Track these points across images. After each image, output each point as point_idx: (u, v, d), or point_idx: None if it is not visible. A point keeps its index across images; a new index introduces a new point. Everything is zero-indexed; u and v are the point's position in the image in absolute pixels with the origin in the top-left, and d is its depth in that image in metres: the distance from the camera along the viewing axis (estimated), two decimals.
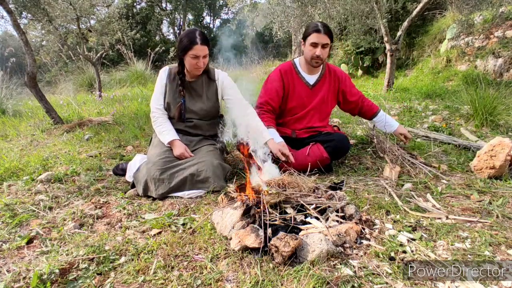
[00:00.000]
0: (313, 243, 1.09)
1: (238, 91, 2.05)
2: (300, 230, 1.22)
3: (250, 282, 1.00)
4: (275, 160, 1.79)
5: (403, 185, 1.73)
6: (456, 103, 3.63)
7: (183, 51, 1.84)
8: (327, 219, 1.29)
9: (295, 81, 2.08)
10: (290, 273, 1.02)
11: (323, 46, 1.91)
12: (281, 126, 2.16)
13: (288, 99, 2.10)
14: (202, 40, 1.81)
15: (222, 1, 17.88)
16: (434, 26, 6.66)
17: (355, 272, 1.02)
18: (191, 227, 1.39)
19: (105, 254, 1.17)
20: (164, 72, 2.03)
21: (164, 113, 2.02)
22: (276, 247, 1.08)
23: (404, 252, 1.12)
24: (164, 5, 15.74)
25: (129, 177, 1.95)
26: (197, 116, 2.04)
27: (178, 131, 2.02)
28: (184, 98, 1.99)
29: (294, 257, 1.09)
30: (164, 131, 1.96)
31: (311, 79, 2.10)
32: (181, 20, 16.31)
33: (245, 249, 1.15)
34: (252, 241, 1.13)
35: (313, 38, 1.91)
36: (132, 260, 1.16)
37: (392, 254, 1.11)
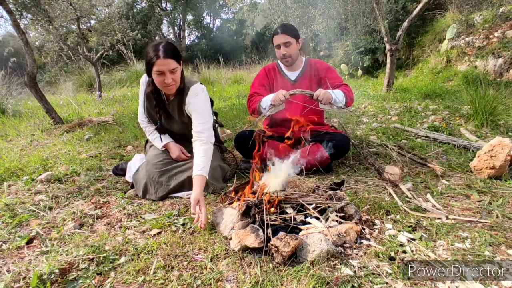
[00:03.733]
0: (313, 243, 1.09)
1: (202, 114, 1.77)
2: (300, 230, 1.22)
3: (250, 282, 1.00)
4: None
5: (403, 184, 1.73)
6: (456, 103, 3.63)
7: (148, 67, 1.64)
8: (327, 219, 1.29)
9: (278, 78, 2.17)
10: (290, 273, 1.02)
11: (285, 44, 2.00)
12: (277, 126, 2.17)
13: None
14: (165, 52, 1.57)
15: (222, 1, 17.88)
16: (434, 26, 6.66)
17: (355, 272, 1.02)
18: (191, 227, 1.39)
19: (105, 254, 1.17)
20: (142, 83, 1.89)
21: (149, 123, 1.99)
22: (276, 247, 1.08)
23: (404, 252, 1.12)
24: (164, 5, 15.75)
25: (129, 177, 1.95)
26: (179, 135, 1.98)
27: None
28: (160, 120, 1.88)
29: (294, 257, 1.09)
30: (156, 137, 1.96)
31: (293, 75, 2.16)
32: (181, 20, 16.31)
33: (245, 249, 1.16)
34: (252, 241, 1.13)
35: (274, 41, 2.04)
36: (132, 260, 1.16)
37: (392, 254, 1.11)
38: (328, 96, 1.80)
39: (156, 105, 1.83)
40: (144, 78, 1.88)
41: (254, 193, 1.44)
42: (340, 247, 1.14)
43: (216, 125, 2.14)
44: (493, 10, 5.12)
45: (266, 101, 1.92)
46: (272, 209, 1.33)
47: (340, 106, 1.88)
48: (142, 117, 1.99)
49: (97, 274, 1.09)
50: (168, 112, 1.88)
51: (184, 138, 2.00)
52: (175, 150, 1.90)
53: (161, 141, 1.94)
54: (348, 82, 7.06)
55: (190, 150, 1.97)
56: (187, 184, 1.76)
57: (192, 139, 1.76)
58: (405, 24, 4.58)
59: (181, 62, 1.70)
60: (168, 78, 1.62)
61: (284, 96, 1.81)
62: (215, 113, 2.16)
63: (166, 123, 1.93)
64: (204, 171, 1.62)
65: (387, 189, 1.65)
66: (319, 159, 1.92)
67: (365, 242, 1.19)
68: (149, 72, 1.67)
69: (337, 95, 1.87)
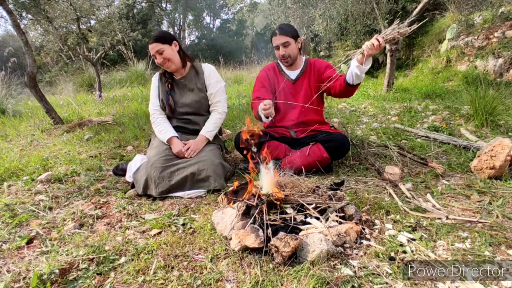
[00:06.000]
0: (313, 243, 1.09)
1: (219, 87, 2.13)
2: (300, 230, 1.22)
3: (250, 282, 1.00)
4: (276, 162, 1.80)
5: (403, 184, 1.73)
6: (456, 103, 3.63)
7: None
8: (327, 219, 1.29)
9: (278, 78, 2.19)
10: (290, 273, 1.02)
11: (284, 45, 2.01)
12: (278, 126, 2.17)
13: (276, 94, 2.18)
14: (153, 38, 1.94)
15: (222, 1, 17.88)
16: (434, 26, 6.66)
17: (355, 272, 1.02)
18: (191, 227, 1.39)
19: (105, 254, 1.17)
20: (155, 77, 2.16)
21: (162, 113, 2.10)
22: (276, 247, 1.08)
23: (404, 252, 1.12)
24: (164, 5, 15.75)
25: (129, 177, 1.95)
26: (192, 109, 2.09)
27: (177, 128, 2.06)
28: (171, 91, 2.08)
29: (294, 257, 1.09)
30: (163, 130, 2.01)
31: (293, 74, 2.17)
32: (181, 20, 16.32)
33: (245, 249, 1.15)
34: (252, 241, 1.13)
35: (273, 42, 2.06)
36: (132, 260, 1.16)
37: (392, 254, 1.10)
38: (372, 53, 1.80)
39: (166, 80, 2.09)
40: (155, 75, 2.18)
41: (254, 194, 1.44)
42: (340, 247, 1.14)
43: None
44: (493, 10, 5.13)
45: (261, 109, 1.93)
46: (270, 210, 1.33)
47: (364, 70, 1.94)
48: (153, 107, 2.11)
49: (97, 274, 1.09)
50: (181, 85, 2.10)
51: (195, 115, 2.11)
52: (178, 145, 1.93)
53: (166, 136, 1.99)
54: None
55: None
56: (189, 180, 1.76)
57: (210, 109, 2.15)
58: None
59: (172, 43, 2.00)
60: (159, 58, 1.96)
61: (265, 105, 1.85)
62: None
63: (179, 97, 2.09)
64: (209, 134, 2.04)
65: (387, 189, 1.65)
66: (319, 159, 1.92)
67: (365, 242, 1.19)
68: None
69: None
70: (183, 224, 1.43)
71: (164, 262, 1.13)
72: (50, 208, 1.66)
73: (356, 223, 1.25)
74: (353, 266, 1.06)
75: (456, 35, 5.70)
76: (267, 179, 1.38)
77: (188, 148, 1.94)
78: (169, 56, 1.97)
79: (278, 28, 2.05)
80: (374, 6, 4.48)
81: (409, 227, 1.27)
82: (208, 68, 2.14)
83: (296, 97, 2.15)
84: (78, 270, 1.10)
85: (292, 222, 1.25)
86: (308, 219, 1.28)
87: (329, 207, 1.34)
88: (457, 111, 3.30)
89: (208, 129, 2.04)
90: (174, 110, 2.08)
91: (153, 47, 1.93)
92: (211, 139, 2.04)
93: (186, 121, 2.10)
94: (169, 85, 2.08)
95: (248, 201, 1.33)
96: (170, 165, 1.81)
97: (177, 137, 2.00)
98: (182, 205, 1.64)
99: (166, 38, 1.98)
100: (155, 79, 2.15)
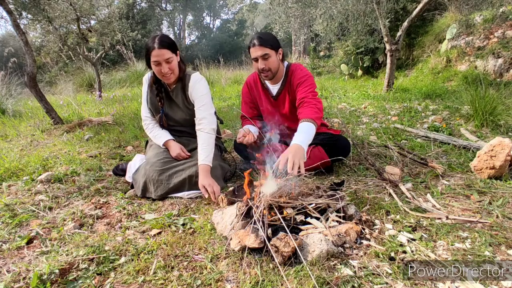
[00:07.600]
0: (313, 243, 1.09)
1: (204, 102, 1.88)
2: (300, 230, 1.22)
3: (250, 282, 1.00)
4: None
5: (403, 185, 1.73)
6: (456, 103, 3.63)
7: (146, 58, 1.78)
8: (327, 219, 1.29)
9: (260, 93, 2.05)
10: (290, 273, 1.02)
11: (263, 57, 1.79)
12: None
13: (261, 109, 2.12)
14: (160, 44, 1.70)
15: (222, 1, 17.89)
16: (434, 26, 6.67)
17: (355, 272, 1.02)
18: (191, 227, 1.39)
19: (105, 254, 1.17)
20: (145, 80, 1.99)
21: (153, 119, 2.03)
22: (276, 247, 1.08)
23: (404, 252, 1.12)
24: (164, 5, 15.75)
25: (128, 177, 1.95)
26: (181, 125, 2.03)
27: (172, 134, 2.02)
28: (163, 108, 1.94)
29: (294, 257, 1.09)
30: (157, 134, 1.97)
31: (274, 89, 2.00)
32: (181, 20, 16.32)
33: (245, 249, 1.15)
34: (252, 241, 1.13)
35: (251, 54, 1.83)
36: (132, 260, 1.16)
37: (392, 254, 1.11)
38: (301, 162, 1.42)
39: (157, 94, 1.92)
40: (146, 76, 1.99)
41: (253, 198, 1.44)
42: (340, 247, 1.14)
43: (218, 120, 2.15)
44: (493, 10, 5.13)
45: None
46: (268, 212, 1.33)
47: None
48: (145, 113, 2.02)
49: (97, 274, 1.09)
50: (171, 99, 1.95)
51: (187, 128, 2.03)
52: (175, 148, 1.91)
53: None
54: (348, 82, 7.07)
55: (191, 149, 1.97)
56: (187, 183, 1.76)
57: (196, 128, 1.89)
58: (405, 24, 4.58)
59: (177, 52, 1.83)
60: (165, 67, 1.75)
61: (238, 138, 1.83)
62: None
63: (170, 111, 1.98)
64: (208, 160, 1.77)
65: (387, 189, 1.65)
66: (320, 161, 1.91)
67: (365, 242, 1.19)
68: (148, 62, 1.80)
69: (305, 136, 1.58)
70: (183, 224, 1.43)
71: (164, 262, 1.13)
72: (50, 208, 1.66)
73: (356, 223, 1.25)
74: (353, 266, 1.06)
75: (456, 35, 5.70)
76: (269, 181, 1.38)
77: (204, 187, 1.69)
78: (175, 67, 1.80)
79: (257, 37, 1.81)
80: (375, 6, 4.48)
81: (409, 227, 1.27)
82: (192, 84, 1.89)
83: (280, 113, 2.02)
84: (78, 270, 1.10)
85: (292, 222, 1.25)
86: (308, 219, 1.28)
87: (329, 207, 1.34)
88: (457, 111, 3.30)
89: (205, 155, 1.76)
90: (167, 125, 2.00)
91: (162, 54, 1.70)
92: (211, 164, 1.78)
93: (179, 132, 2.04)
94: (162, 101, 1.92)
95: (248, 202, 1.34)
96: (168, 168, 1.80)
97: (173, 139, 1.96)
98: (182, 205, 1.64)
99: (175, 46, 1.79)
100: (145, 82, 1.97)
